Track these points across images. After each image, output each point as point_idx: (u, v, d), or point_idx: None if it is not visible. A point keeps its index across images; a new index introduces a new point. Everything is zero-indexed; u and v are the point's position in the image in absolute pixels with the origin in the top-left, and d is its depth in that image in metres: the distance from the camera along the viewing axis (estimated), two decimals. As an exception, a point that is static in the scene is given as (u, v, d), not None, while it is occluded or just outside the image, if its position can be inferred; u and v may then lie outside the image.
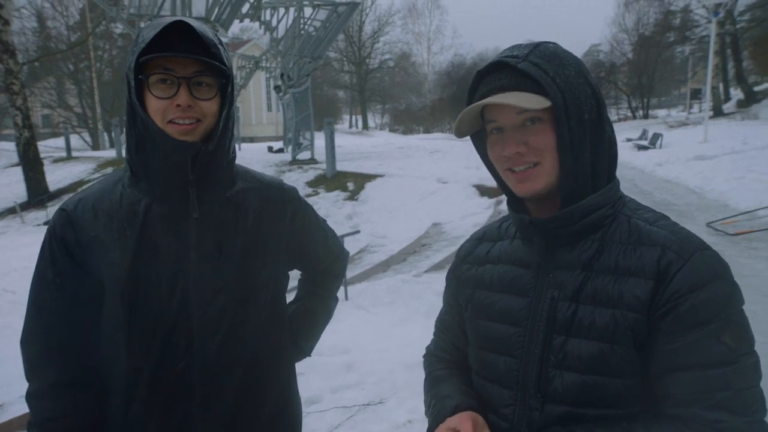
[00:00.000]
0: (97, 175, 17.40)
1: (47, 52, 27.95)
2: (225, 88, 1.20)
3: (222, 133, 1.20)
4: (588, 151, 0.96)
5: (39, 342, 1.19)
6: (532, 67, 0.95)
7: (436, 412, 1.06)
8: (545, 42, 1.00)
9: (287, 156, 18.76)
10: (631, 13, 41.03)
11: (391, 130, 53.18)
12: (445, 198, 11.93)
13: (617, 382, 0.92)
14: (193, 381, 1.19)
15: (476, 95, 1.01)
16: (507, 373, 1.01)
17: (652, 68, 38.44)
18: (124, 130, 1.22)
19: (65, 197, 17.58)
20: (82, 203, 1.21)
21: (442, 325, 1.24)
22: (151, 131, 1.14)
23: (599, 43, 47.53)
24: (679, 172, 13.43)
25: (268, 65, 25.04)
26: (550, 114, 0.95)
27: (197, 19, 1.20)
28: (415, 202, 12.17)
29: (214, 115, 1.19)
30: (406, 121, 54.38)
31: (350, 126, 57.30)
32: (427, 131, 46.32)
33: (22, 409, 4.27)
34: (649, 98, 41.54)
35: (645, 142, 20.11)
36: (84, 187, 1.34)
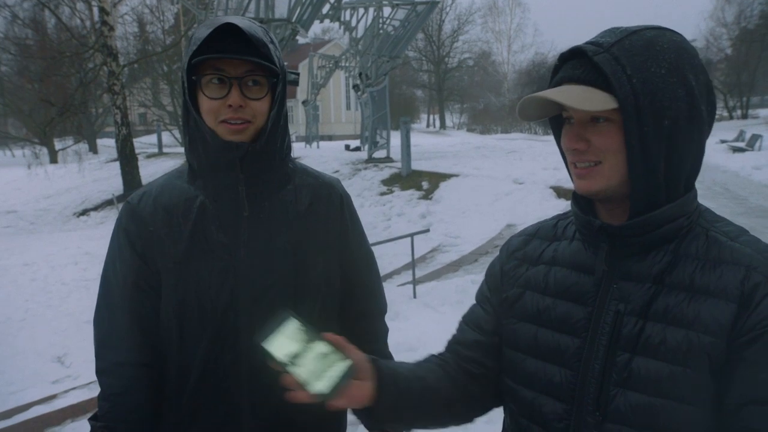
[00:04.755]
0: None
1: (145, 55, 29.79)
2: (276, 87, 1.21)
3: (271, 132, 1.22)
4: (663, 157, 0.88)
5: (106, 323, 1.27)
6: (609, 60, 0.87)
7: None
8: (648, 28, 0.90)
9: (363, 154, 19.01)
10: (732, 6, 38.34)
11: (469, 130, 52.62)
12: (520, 199, 11.68)
13: (687, 407, 0.85)
14: (241, 377, 1.23)
15: (554, 80, 0.95)
16: (562, 386, 0.94)
17: (755, 64, 35.72)
18: (182, 128, 1.28)
19: (156, 191, 18.85)
20: (146, 197, 1.28)
21: (471, 319, 1.14)
22: (202, 131, 1.19)
23: (694, 39, 44.77)
24: (780, 176, 12.46)
25: (347, 64, 25.48)
26: (620, 114, 0.87)
27: (254, 18, 1.23)
28: (490, 202, 12.00)
29: (265, 114, 1.21)
30: (484, 120, 53.65)
31: (428, 125, 57.22)
32: (505, 131, 45.47)
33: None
34: (749, 97, 38.68)
35: (741, 144, 18.74)
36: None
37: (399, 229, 10.56)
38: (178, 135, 37.39)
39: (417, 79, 53.33)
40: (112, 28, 17.40)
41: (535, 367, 0.99)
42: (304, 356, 0.84)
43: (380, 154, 17.88)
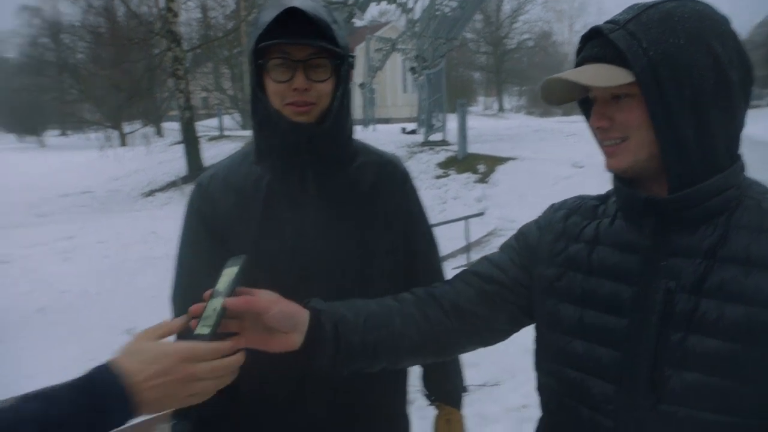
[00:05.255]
0: (245, 153, 18.80)
1: (207, 40, 30.56)
2: (340, 67, 1.23)
3: (337, 112, 1.23)
4: (691, 127, 0.86)
5: (183, 300, 1.32)
6: (624, 36, 0.87)
7: None
8: (667, 1, 0.88)
9: (419, 137, 18.92)
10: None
11: (528, 113, 51.36)
12: (579, 183, 11.37)
13: (748, 385, 0.82)
14: None
15: (576, 61, 0.97)
16: (611, 368, 0.92)
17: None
18: (249, 110, 1.31)
19: (218, 173, 18.94)
20: (215, 179, 1.31)
21: (495, 259, 1.12)
22: (270, 113, 1.22)
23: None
24: None
25: (404, 47, 25.30)
26: (640, 89, 0.87)
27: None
28: (548, 186, 11.75)
29: (329, 95, 1.22)
30: (543, 103, 52.18)
31: (485, 108, 56.27)
32: (566, 114, 44.15)
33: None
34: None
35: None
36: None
37: (454, 213, 10.50)
38: (238, 118, 38.35)
39: (474, 61, 52.33)
40: (176, 14, 17.91)
41: (583, 348, 0.97)
42: (214, 299, 0.88)
43: (436, 137, 17.74)
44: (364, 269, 1.28)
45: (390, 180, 1.35)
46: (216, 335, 0.84)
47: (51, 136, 50.66)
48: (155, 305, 6.90)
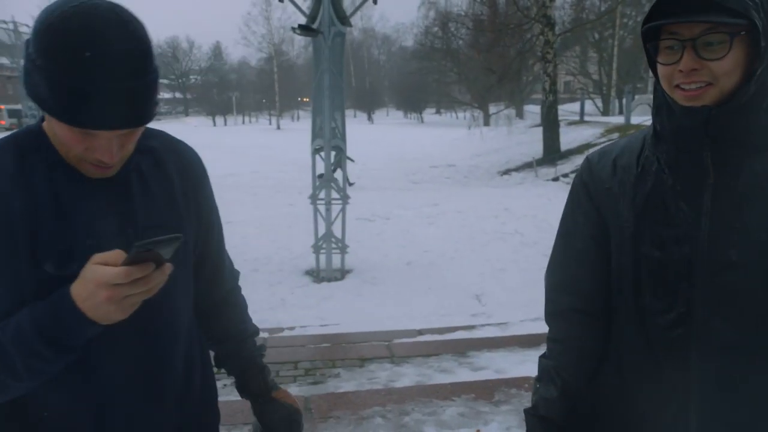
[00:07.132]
0: (603, 139, 18.12)
1: (579, 23, 30.13)
2: (756, 39, 1.05)
3: (754, 93, 1.08)
4: None
5: (560, 270, 1.35)
6: None
7: None
8: None
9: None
10: None
11: None
12: None
13: None
14: (690, 343, 1.15)
15: None
16: None
17: None
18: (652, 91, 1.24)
19: (572, 157, 18.51)
20: (605, 156, 1.30)
21: None
22: (661, 96, 1.16)
23: None
24: None
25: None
26: None
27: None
28: None
29: (730, 74, 1.07)
30: None
31: None
32: None
33: (521, 329, 5.14)
34: None
35: None
36: (607, 142, 1.40)
37: None
38: (600, 104, 37.06)
39: None
40: (552, -1, 18.18)
41: None
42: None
43: None
44: (763, 279, 1.10)
45: None
46: (138, 256, 0.87)
47: (428, 114, 58.15)
48: (502, 277, 7.42)
